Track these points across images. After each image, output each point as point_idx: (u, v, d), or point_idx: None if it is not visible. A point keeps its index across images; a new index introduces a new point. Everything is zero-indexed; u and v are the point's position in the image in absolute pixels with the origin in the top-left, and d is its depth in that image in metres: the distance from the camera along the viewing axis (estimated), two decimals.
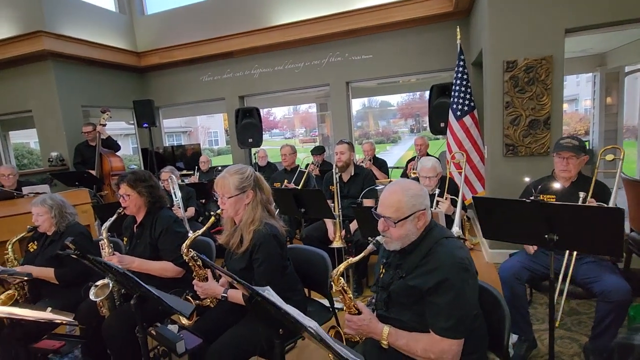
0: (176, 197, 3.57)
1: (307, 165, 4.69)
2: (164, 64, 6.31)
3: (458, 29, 3.90)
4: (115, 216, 2.10)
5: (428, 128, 4.89)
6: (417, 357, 1.28)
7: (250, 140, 5.55)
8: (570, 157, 2.12)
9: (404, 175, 4.55)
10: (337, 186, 3.00)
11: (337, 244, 2.90)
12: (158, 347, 1.92)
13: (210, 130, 28.90)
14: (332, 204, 3.01)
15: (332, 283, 1.36)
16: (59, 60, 5.16)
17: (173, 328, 1.62)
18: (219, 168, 5.82)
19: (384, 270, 1.54)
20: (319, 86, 5.76)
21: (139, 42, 6.42)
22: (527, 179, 2.08)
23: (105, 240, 2.01)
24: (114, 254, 2.02)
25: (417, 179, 4.19)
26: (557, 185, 1.86)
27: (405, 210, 1.32)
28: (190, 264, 1.70)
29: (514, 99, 3.27)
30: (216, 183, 1.74)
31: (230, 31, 5.75)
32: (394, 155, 16.30)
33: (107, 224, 2.05)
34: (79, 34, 5.31)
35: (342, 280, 1.36)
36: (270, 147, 7.39)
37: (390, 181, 4.16)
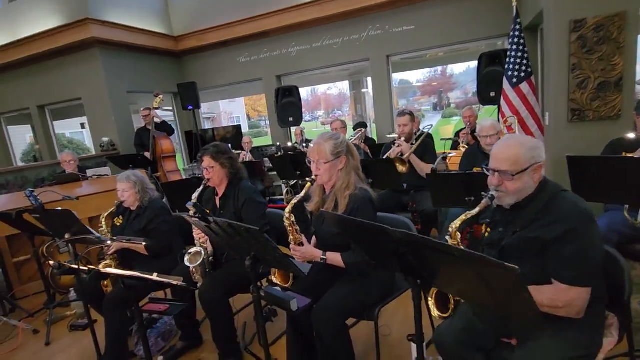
0: None
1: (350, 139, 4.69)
2: (200, 47, 6.35)
3: None
4: (202, 187, 2.17)
5: (452, 105, 4.78)
6: (542, 307, 1.28)
7: (290, 119, 5.57)
8: None
9: (455, 145, 4.47)
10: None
11: None
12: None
13: (232, 115, 29.15)
14: None
15: (448, 237, 1.37)
16: (104, 47, 5.27)
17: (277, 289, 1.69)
18: (279, 145, 5.90)
19: (488, 229, 1.53)
20: (359, 61, 5.67)
21: (174, 26, 6.46)
22: (631, 135, 2.00)
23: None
24: None
25: (470, 146, 4.13)
26: None
27: (523, 163, 1.30)
28: (289, 229, 1.74)
29: (582, 61, 3.12)
30: (312, 150, 1.76)
31: (265, 10, 5.70)
32: None
33: (195, 194, 2.13)
34: (120, 20, 5.39)
35: (459, 235, 1.37)
36: None
37: (443, 152, 4.09)
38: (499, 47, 5.20)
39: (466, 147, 4.12)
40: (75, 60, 5.32)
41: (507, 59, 3.87)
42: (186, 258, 2.04)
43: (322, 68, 5.93)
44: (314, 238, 1.96)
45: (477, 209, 1.37)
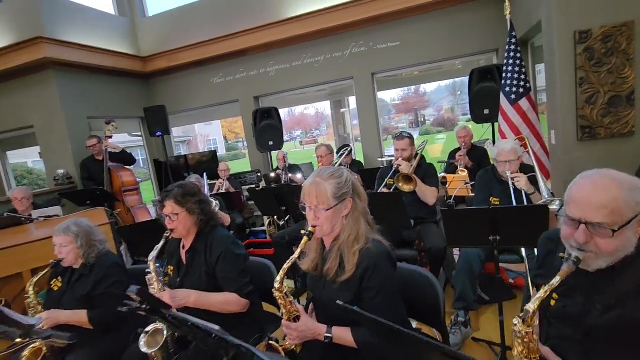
0: None
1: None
2: (171, 67, 5.88)
3: (507, 3, 3.49)
4: (162, 242, 1.68)
5: (427, 122, 4.51)
6: None
7: (270, 143, 5.13)
8: None
9: (450, 168, 4.14)
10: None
11: None
12: None
13: (209, 138, 28.47)
14: None
15: (519, 321, 0.94)
16: (60, 69, 4.72)
17: None
18: (259, 171, 5.40)
19: (555, 296, 1.12)
20: (342, 80, 5.34)
21: (142, 46, 5.99)
22: None
23: (153, 274, 1.58)
24: (164, 290, 1.60)
25: (469, 170, 3.80)
26: None
27: (626, 212, 0.91)
28: (280, 301, 1.28)
29: (590, 74, 2.87)
30: (307, 192, 1.32)
31: (241, 27, 5.33)
32: None
33: (154, 253, 1.64)
34: (79, 40, 4.88)
35: (536, 321, 0.95)
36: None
37: (443, 176, 3.74)
38: (481, 64, 5.00)
39: (465, 170, 3.81)
40: (25, 83, 4.74)
41: (504, 75, 3.62)
42: (142, 341, 1.52)
43: (303, 88, 5.57)
44: (310, 306, 1.49)
45: (558, 278, 0.96)
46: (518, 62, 3.55)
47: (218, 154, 6.28)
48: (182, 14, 5.79)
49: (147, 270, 1.58)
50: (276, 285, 1.23)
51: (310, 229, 1.31)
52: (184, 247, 1.82)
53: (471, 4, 4.52)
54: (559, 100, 3.02)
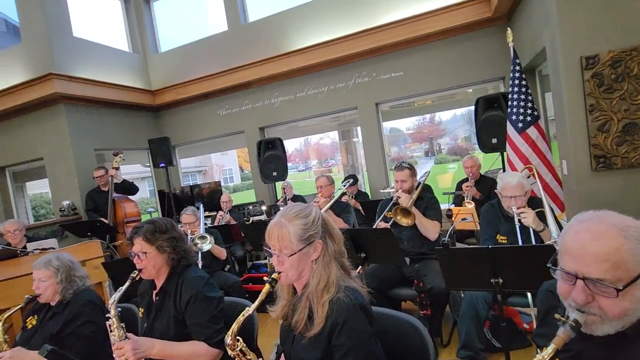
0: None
1: (341, 195, 4.15)
2: (179, 100, 6.02)
3: (509, 31, 3.41)
4: (127, 283, 1.56)
5: (444, 151, 4.36)
6: None
7: (274, 173, 5.07)
8: None
9: (458, 200, 3.94)
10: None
11: None
12: None
13: (225, 167, 28.91)
14: None
15: None
16: (70, 103, 4.88)
17: None
18: (262, 201, 5.30)
19: None
20: (346, 110, 5.32)
21: (153, 80, 6.19)
22: None
23: (114, 319, 1.45)
24: (126, 337, 1.46)
25: (477, 202, 3.60)
26: None
27: (633, 266, 0.74)
28: (236, 359, 1.12)
29: (600, 101, 2.71)
30: (269, 234, 1.20)
31: (247, 60, 5.44)
32: None
33: (116, 296, 1.51)
34: (91, 76, 5.06)
35: None
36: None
37: (448, 209, 3.54)
38: (489, 92, 4.90)
39: (472, 202, 3.61)
40: (37, 117, 4.90)
41: (510, 103, 3.49)
42: None
43: (307, 118, 5.57)
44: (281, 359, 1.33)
45: (552, 347, 0.78)
46: (524, 89, 3.42)
47: (233, 184, 6.26)
48: (192, 49, 5.98)
49: (107, 316, 1.46)
50: (227, 340, 1.08)
51: (274, 275, 1.17)
52: (155, 288, 1.70)
53: (473, 34, 4.48)
54: (569, 128, 2.85)
